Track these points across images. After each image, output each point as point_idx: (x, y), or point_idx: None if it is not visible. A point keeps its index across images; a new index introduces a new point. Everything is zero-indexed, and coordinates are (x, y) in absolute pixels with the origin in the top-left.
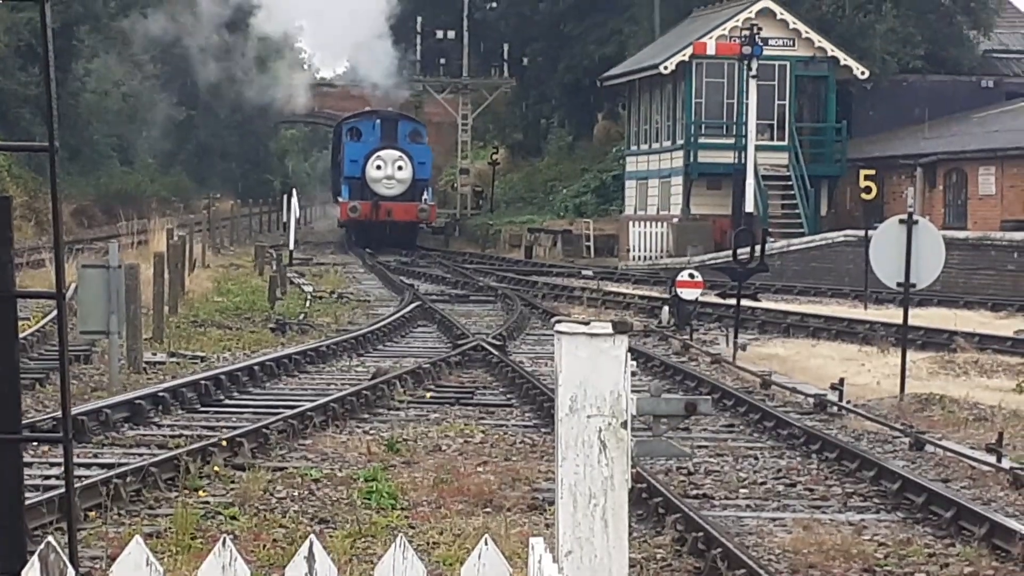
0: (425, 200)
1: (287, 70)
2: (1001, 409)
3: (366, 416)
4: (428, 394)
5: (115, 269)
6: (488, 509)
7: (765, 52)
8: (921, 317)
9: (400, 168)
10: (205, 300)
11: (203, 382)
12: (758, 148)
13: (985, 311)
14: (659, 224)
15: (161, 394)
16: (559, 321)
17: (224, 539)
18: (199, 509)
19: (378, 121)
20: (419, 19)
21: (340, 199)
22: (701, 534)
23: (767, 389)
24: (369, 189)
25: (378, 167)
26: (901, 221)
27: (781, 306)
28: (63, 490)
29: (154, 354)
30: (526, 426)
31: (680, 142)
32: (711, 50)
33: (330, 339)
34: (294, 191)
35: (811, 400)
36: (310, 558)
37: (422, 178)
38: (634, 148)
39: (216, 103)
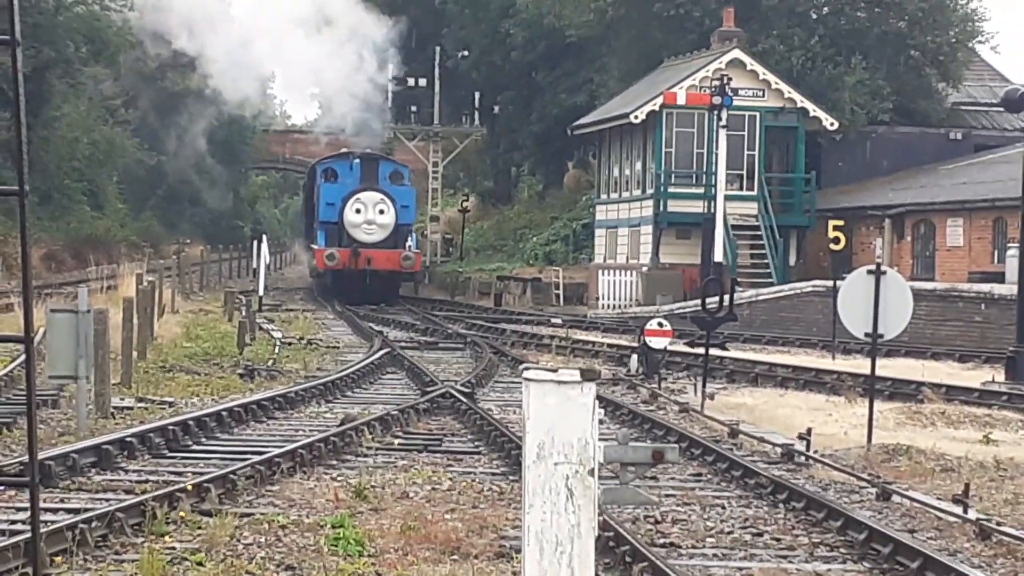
0: (409, 247)
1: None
2: (968, 460)
3: (334, 462)
4: (396, 441)
5: (84, 314)
6: (455, 557)
7: (735, 102)
8: (889, 368)
9: (382, 212)
10: (174, 345)
11: (171, 427)
12: (727, 198)
13: (952, 362)
14: (628, 273)
15: (129, 439)
16: (527, 368)
17: None
18: (166, 555)
19: (357, 161)
20: (390, 66)
21: (314, 246)
22: None
23: (735, 438)
24: (348, 235)
25: (357, 211)
26: (869, 272)
27: (749, 355)
28: (29, 535)
29: (122, 399)
30: (494, 473)
31: (650, 191)
32: (681, 100)
33: (299, 385)
34: (264, 237)
35: (779, 450)
36: None
37: (405, 223)
38: (604, 197)
39: (186, 148)
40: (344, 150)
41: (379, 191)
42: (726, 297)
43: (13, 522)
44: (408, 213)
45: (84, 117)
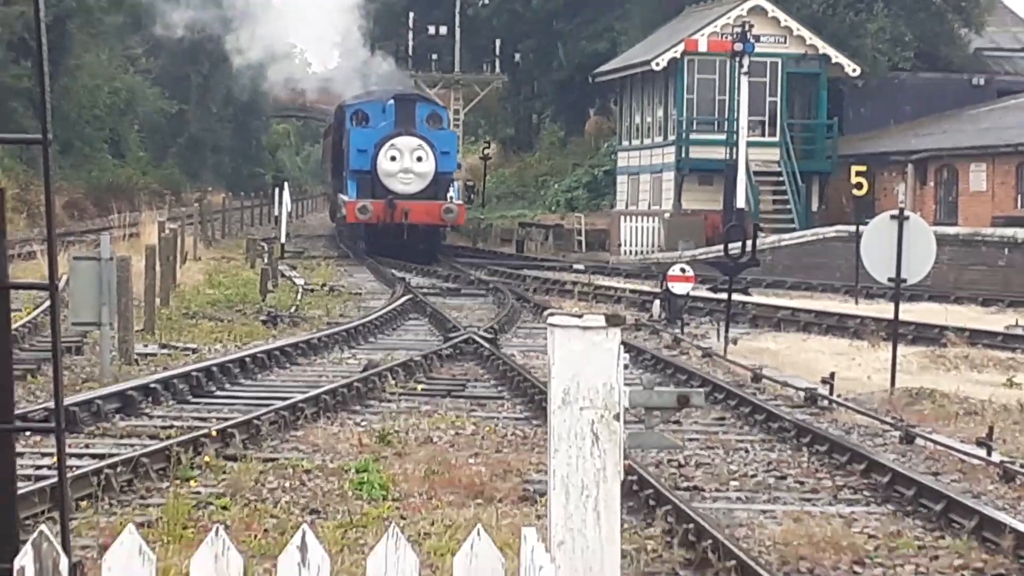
0: (451, 198)
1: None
2: (991, 403)
3: (357, 408)
4: (419, 386)
5: (107, 261)
6: (479, 500)
7: (757, 49)
8: (912, 312)
9: (420, 159)
10: (196, 292)
11: (194, 373)
12: (749, 144)
13: (975, 306)
14: (650, 219)
15: (152, 385)
16: (552, 314)
17: (217, 528)
18: (191, 499)
19: (390, 103)
20: (411, 14)
21: (344, 196)
22: (692, 526)
23: (758, 382)
24: (382, 185)
25: (392, 158)
26: (892, 217)
27: (772, 301)
28: (55, 480)
29: (145, 345)
30: (517, 418)
31: (672, 138)
32: (703, 47)
33: (321, 331)
34: (286, 185)
35: (802, 394)
36: (303, 548)
37: (446, 171)
38: (626, 144)
39: (208, 97)
40: (374, 88)
41: (416, 136)
42: (748, 243)
43: (39, 467)
44: (449, 160)
45: (105, 66)
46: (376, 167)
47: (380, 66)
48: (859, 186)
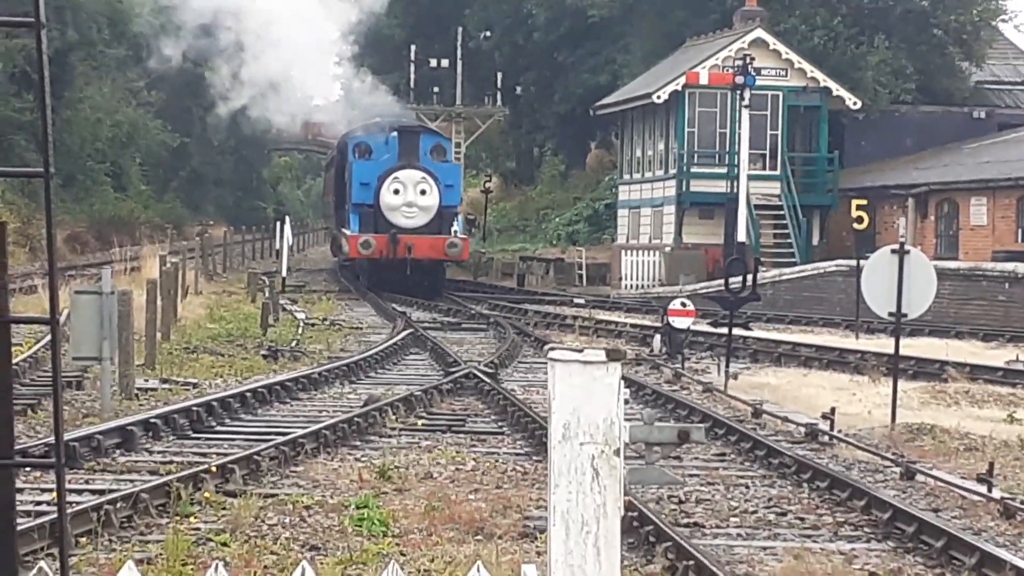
0: (455, 232)
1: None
2: (992, 439)
3: (358, 443)
4: (420, 421)
5: (108, 295)
6: (479, 537)
7: (758, 82)
8: (912, 347)
9: (423, 193)
10: (197, 327)
11: (195, 408)
12: (750, 178)
13: (976, 341)
14: (651, 253)
15: (153, 420)
16: (553, 348)
17: (216, 565)
18: (190, 535)
19: (393, 135)
20: (412, 47)
21: (346, 231)
22: (692, 562)
23: (758, 418)
24: (384, 219)
25: (396, 192)
26: (893, 251)
27: (773, 335)
28: (55, 516)
29: (146, 380)
30: (517, 454)
31: (673, 171)
32: (704, 80)
33: (322, 366)
34: (287, 218)
35: (802, 429)
36: None
37: (450, 205)
38: (627, 177)
39: (210, 130)
40: (377, 119)
41: (420, 169)
42: (749, 277)
43: (39, 503)
44: (453, 193)
45: (107, 99)
46: (379, 200)
47: (383, 96)
48: (860, 220)
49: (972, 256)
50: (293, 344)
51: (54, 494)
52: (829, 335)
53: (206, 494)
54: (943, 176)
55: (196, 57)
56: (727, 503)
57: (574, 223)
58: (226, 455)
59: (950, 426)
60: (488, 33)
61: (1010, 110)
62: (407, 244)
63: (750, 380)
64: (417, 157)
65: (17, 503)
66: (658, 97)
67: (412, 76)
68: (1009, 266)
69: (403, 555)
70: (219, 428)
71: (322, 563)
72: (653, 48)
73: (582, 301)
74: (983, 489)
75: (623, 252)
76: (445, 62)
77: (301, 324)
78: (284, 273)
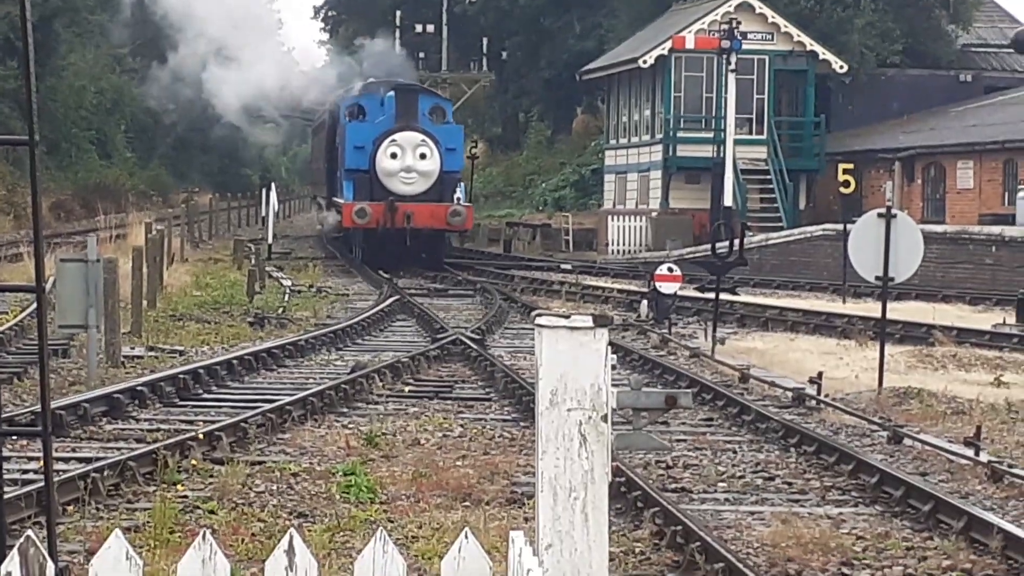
0: (458, 200)
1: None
2: (979, 403)
3: (345, 410)
4: (407, 388)
5: (94, 263)
6: (467, 503)
7: (744, 46)
8: (899, 311)
9: (423, 157)
10: (183, 294)
11: (181, 376)
12: (737, 142)
13: (963, 305)
14: (638, 218)
15: (139, 388)
16: (539, 314)
17: (204, 533)
18: (178, 503)
19: (390, 95)
20: (398, 13)
21: (339, 199)
22: (680, 528)
23: (746, 383)
24: (381, 186)
25: (393, 156)
26: (879, 215)
27: (760, 300)
28: (42, 484)
29: (132, 348)
30: (505, 420)
31: (659, 136)
32: (690, 44)
33: (309, 333)
34: (272, 185)
35: (790, 394)
36: (290, 551)
37: (452, 170)
38: (613, 142)
39: (195, 97)
40: (371, 80)
41: (419, 131)
42: (736, 242)
43: (25, 471)
44: (455, 158)
45: (92, 66)
46: (375, 165)
47: (372, 48)
48: (846, 184)
49: (959, 219)
50: (279, 311)
51: (41, 462)
52: (816, 299)
53: (193, 462)
54: (929, 140)
55: (179, 23)
56: (714, 468)
57: (560, 189)
58: (213, 422)
59: (937, 390)
60: None
61: (996, 73)
62: (406, 213)
63: (737, 345)
64: (416, 118)
65: (4, 471)
66: (644, 62)
67: (397, 41)
68: (996, 229)
69: (391, 522)
70: (206, 396)
71: (310, 530)
72: (639, 13)
73: (569, 267)
74: (970, 453)
75: (610, 217)
76: (431, 27)
77: (287, 291)
78: (270, 240)
